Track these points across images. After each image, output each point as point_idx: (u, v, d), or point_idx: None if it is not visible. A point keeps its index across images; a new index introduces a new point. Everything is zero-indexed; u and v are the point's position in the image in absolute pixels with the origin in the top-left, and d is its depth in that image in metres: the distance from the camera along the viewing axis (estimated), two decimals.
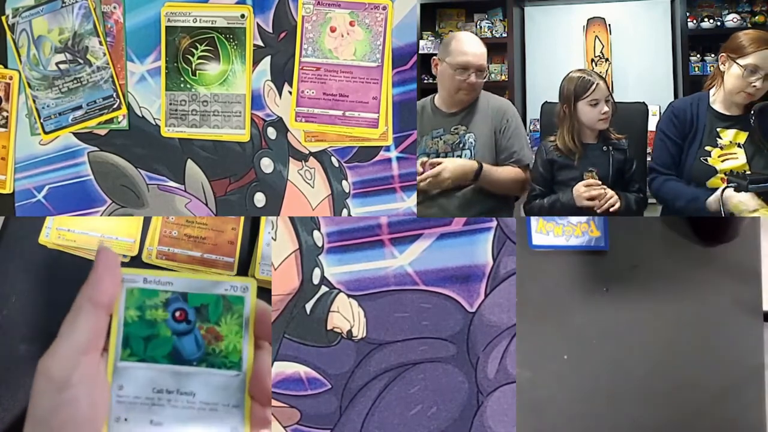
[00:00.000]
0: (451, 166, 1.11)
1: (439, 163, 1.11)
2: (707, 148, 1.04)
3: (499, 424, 0.76)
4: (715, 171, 1.03)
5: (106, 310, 0.52)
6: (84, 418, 0.49)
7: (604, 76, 1.97)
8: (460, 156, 1.14)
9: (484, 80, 1.17)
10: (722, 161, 1.03)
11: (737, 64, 1.01)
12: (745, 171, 1.02)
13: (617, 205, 1.03)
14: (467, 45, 1.15)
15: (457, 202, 1.12)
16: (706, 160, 1.04)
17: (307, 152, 0.82)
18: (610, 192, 1.04)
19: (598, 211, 1.02)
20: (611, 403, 0.89)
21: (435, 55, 1.20)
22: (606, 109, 1.06)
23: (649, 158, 1.26)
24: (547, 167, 1.09)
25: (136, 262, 0.84)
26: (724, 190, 0.99)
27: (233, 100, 0.81)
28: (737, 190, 0.98)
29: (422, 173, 1.09)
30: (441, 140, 1.15)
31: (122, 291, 0.53)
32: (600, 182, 1.04)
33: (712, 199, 1.00)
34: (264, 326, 0.55)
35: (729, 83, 1.03)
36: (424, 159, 1.12)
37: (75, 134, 0.82)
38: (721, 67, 1.04)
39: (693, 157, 1.05)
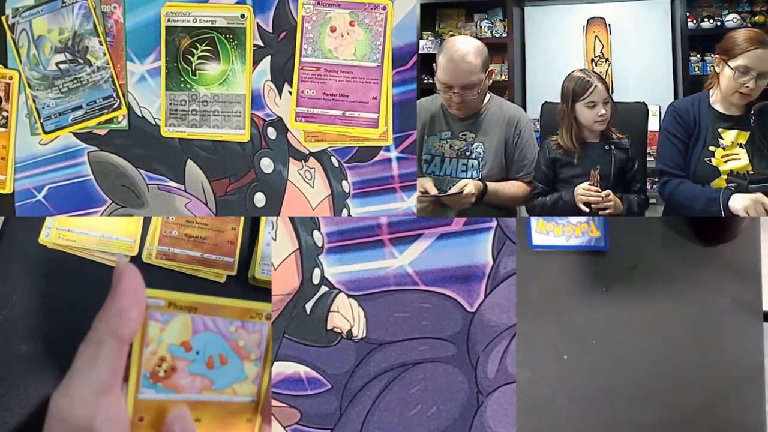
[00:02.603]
0: (472, 183, 1.07)
1: (465, 185, 1.06)
2: (711, 148, 1.04)
3: (499, 424, 0.76)
4: (719, 172, 1.03)
5: (128, 341, 0.47)
6: None
7: (604, 76, 1.97)
8: (466, 164, 1.12)
9: (477, 97, 1.09)
10: (725, 162, 1.03)
11: (728, 66, 1.01)
12: (747, 171, 1.01)
13: (608, 210, 1.02)
14: (449, 62, 1.07)
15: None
16: (710, 160, 1.03)
17: (307, 152, 0.82)
18: (605, 195, 1.03)
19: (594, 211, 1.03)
20: (611, 403, 0.89)
21: (435, 55, 1.18)
22: (603, 111, 1.06)
23: (650, 158, 1.26)
24: (549, 166, 1.09)
25: (136, 262, 0.84)
26: (727, 191, 0.99)
27: (233, 100, 0.81)
28: (737, 190, 0.98)
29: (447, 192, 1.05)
30: (448, 144, 1.13)
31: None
32: (598, 188, 1.03)
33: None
34: None
35: (723, 84, 1.03)
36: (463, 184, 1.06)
37: (75, 134, 0.82)
38: (716, 69, 1.04)
39: (697, 158, 1.04)
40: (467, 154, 1.12)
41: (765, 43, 0.99)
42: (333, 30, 0.80)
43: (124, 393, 0.48)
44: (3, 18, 0.80)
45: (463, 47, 1.08)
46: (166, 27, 0.80)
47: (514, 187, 1.12)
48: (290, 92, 0.81)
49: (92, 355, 0.45)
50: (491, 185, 1.09)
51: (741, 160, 1.03)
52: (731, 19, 1.95)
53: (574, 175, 1.07)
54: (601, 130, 1.09)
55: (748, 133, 1.03)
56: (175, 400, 0.51)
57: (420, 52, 2.05)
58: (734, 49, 1.00)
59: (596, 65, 2.03)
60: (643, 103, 1.23)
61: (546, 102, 1.24)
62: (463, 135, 1.12)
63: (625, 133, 1.11)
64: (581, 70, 1.11)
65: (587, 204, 1.02)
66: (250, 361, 0.53)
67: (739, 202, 0.96)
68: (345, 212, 0.81)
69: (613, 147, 1.09)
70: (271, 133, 0.81)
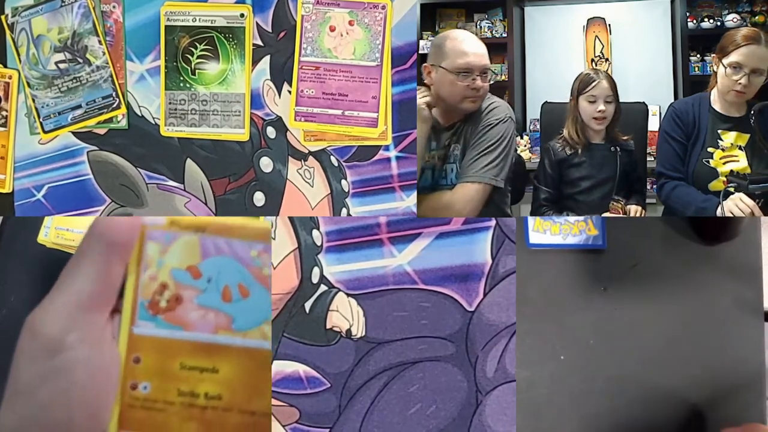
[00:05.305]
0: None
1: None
2: (709, 149, 1.04)
3: (498, 423, 0.76)
4: (717, 173, 1.03)
5: (120, 255, 0.39)
6: (80, 393, 0.37)
7: None
8: (446, 169, 1.01)
9: (490, 83, 1.01)
10: (724, 163, 1.03)
11: (722, 63, 1.01)
12: (747, 172, 1.02)
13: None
14: (465, 44, 1.00)
15: None
16: (708, 162, 1.04)
17: (307, 151, 0.82)
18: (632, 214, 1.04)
19: None
20: (611, 402, 0.89)
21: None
22: (602, 108, 1.06)
23: (650, 158, 1.26)
24: (555, 168, 1.08)
25: None
26: (725, 192, 0.99)
27: (233, 99, 0.81)
28: (737, 190, 0.98)
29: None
30: (435, 155, 1.01)
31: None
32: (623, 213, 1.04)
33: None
34: None
35: (719, 83, 1.03)
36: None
37: (74, 133, 0.82)
38: (714, 68, 1.05)
39: (696, 159, 1.04)
40: (450, 160, 1.02)
41: (758, 40, 0.99)
42: (332, 29, 0.80)
43: (114, 322, 0.40)
44: (2, 17, 0.80)
45: (468, 34, 1.01)
46: (166, 26, 0.80)
47: (434, 200, 0.95)
48: (290, 91, 0.81)
49: (74, 266, 0.38)
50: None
51: (740, 162, 1.03)
52: (731, 19, 1.95)
53: (580, 177, 1.07)
54: (599, 128, 1.09)
55: (748, 136, 1.03)
56: (183, 339, 0.40)
57: (420, 51, 2.04)
58: (728, 47, 1.01)
59: (596, 65, 2.03)
60: (643, 103, 1.24)
61: (546, 102, 1.24)
62: (447, 142, 1.02)
63: (628, 134, 1.11)
64: (594, 69, 1.11)
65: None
66: None
67: (725, 207, 0.97)
68: (344, 211, 0.81)
69: (618, 149, 1.09)
70: (271, 132, 0.81)
